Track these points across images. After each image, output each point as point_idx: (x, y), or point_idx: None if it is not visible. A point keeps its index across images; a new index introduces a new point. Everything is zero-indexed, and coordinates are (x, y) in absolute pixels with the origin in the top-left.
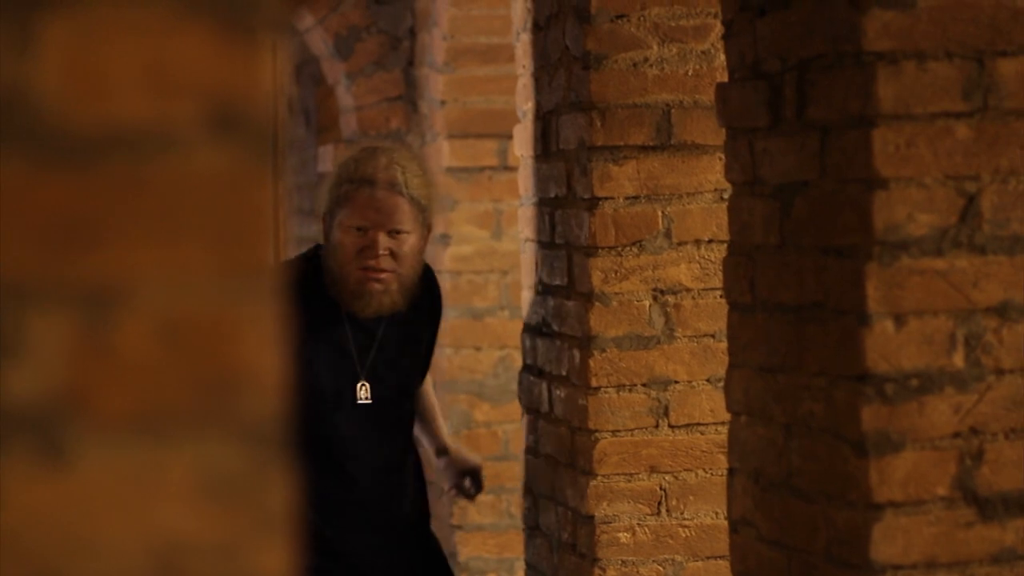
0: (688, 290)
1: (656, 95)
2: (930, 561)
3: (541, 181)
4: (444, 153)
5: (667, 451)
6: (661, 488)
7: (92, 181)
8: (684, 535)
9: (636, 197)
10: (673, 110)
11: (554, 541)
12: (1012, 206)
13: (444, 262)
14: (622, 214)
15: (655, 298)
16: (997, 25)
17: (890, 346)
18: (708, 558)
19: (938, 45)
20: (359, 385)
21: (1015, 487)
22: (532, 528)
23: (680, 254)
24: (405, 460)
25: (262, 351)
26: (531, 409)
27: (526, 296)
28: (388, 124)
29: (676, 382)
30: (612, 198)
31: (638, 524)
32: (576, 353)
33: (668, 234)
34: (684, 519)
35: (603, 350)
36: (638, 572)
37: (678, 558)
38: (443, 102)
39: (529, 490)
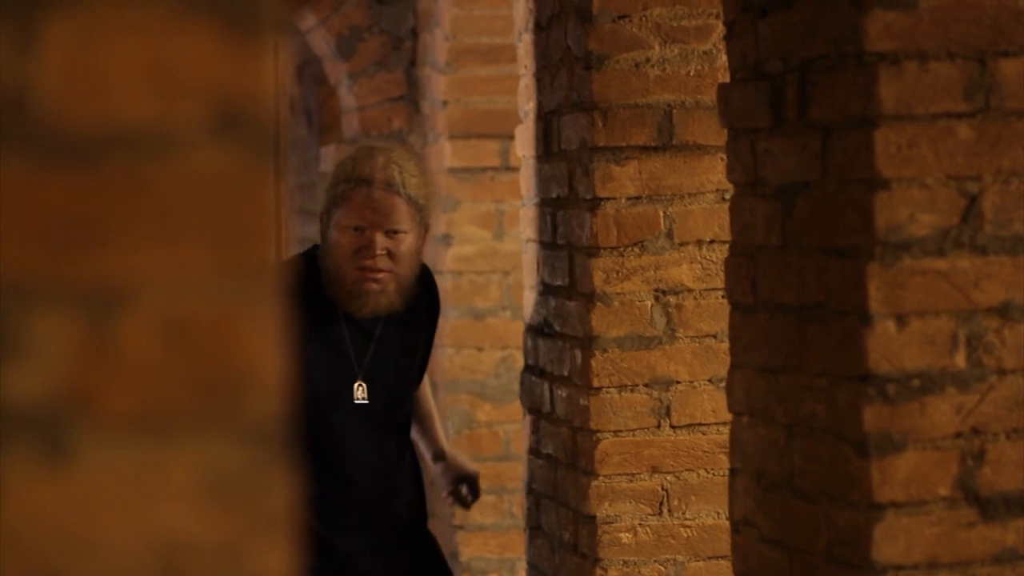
0: (690, 290)
1: (658, 95)
2: (932, 561)
3: (543, 181)
4: (446, 153)
5: (669, 451)
6: (663, 488)
7: (94, 181)
8: (686, 535)
9: (638, 197)
10: (675, 110)
11: (555, 541)
12: (1014, 206)
13: (446, 262)
14: (624, 214)
15: (657, 298)
16: (999, 25)
17: (892, 346)
18: (710, 558)
19: (940, 45)
20: (356, 385)
21: (1016, 487)
22: (534, 528)
23: (682, 254)
24: (402, 460)
25: (264, 351)
26: (533, 409)
27: (528, 296)
28: (390, 124)
29: (678, 382)
30: (614, 198)
31: (640, 524)
32: (578, 353)
33: (670, 234)
34: (686, 519)
35: (605, 350)
36: (640, 572)
37: (680, 558)
38: (445, 102)
39: (531, 490)
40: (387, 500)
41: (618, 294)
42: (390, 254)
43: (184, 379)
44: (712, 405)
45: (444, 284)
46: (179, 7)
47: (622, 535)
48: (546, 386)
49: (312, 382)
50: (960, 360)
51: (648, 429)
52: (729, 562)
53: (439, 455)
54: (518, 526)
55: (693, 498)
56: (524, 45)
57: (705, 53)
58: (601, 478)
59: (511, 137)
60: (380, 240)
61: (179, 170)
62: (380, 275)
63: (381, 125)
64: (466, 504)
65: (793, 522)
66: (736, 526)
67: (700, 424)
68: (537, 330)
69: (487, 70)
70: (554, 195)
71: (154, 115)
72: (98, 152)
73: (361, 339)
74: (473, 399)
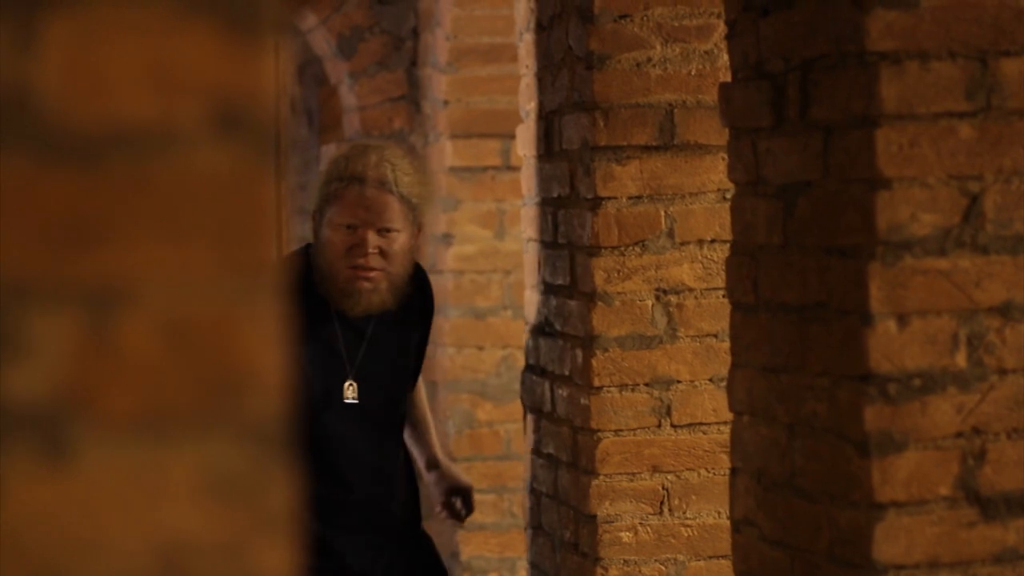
0: (691, 290)
1: (659, 95)
2: (932, 561)
3: (544, 181)
4: (447, 153)
5: (669, 451)
6: (663, 488)
7: (94, 180)
8: (686, 535)
9: (639, 197)
10: (676, 110)
11: (556, 540)
12: (1015, 206)
13: (447, 262)
14: (625, 214)
15: (658, 298)
16: (1000, 25)
17: (893, 346)
18: (710, 558)
19: (941, 45)
20: (346, 384)
21: (1017, 487)
22: (534, 527)
23: (683, 254)
24: (396, 460)
25: (265, 350)
26: (533, 409)
27: (529, 296)
28: (391, 124)
29: (678, 382)
30: (615, 198)
31: (640, 523)
32: (579, 353)
33: (671, 234)
34: (686, 519)
35: (606, 350)
36: (640, 571)
37: (680, 557)
38: (446, 102)
39: (531, 489)
40: (382, 500)
41: (619, 293)
42: (383, 252)
43: (184, 378)
44: (713, 404)
45: (445, 283)
46: (179, 6)
47: (623, 534)
48: (547, 385)
49: (305, 381)
50: (961, 360)
51: (649, 428)
52: (730, 562)
53: (432, 463)
54: (518, 525)
55: (694, 497)
56: (525, 45)
57: (706, 53)
58: (602, 477)
59: (512, 137)
60: (372, 238)
61: (179, 170)
62: (372, 274)
63: (382, 125)
64: (460, 518)
65: (794, 522)
66: (737, 525)
67: (701, 423)
68: (538, 329)
69: (488, 70)
70: (555, 194)
71: (154, 114)
72: (98, 151)
73: (353, 338)
74: (474, 398)
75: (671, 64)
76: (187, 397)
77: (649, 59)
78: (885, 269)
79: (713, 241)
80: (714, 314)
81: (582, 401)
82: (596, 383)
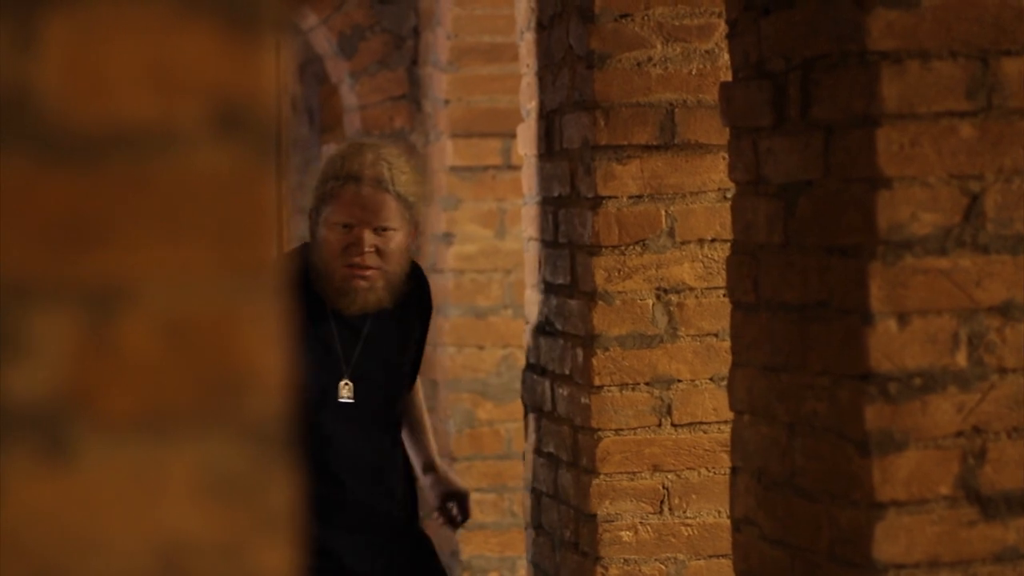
0: (691, 289)
1: (660, 94)
2: (933, 560)
3: (545, 180)
4: (448, 152)
5: (670, 450)
6: (664, 487)
7: (95, 180)
8: (687, 534)
9: (639, 196)
10: (677, 109)
11: (556, 540)
12: (1016, 205)
13: (448, 261)
14: (625, 213)
15: (658, 297)
16: (1001, 24)
17: (893, 345)
18: (711, 557)
19: (942, 44)
20: (342, 383)
21: (1018, 486)
22: (535, 527)
23: (683, 253)
24: (393, 460)
25: (265, 350)
26: (534, 408)
27: (529, 295)
28: (392, 123)
29: (679, 381)
30: (615, 197)
31: (640, 523)
32: (579, 352)
33: (671, 233)
34: (687, 518)
35: (606, 349)
36: (640, 571)
37: (680, 557)
38: (447, 101)
39: (531, 488)
40: (379, 499)
41: (619, 293)
42: (379, 251)
43: (184, 378)
44: (713, 404)
45: (446, 282)
46: (180, 6)
47: (623, 533)
48: (547, 384)
49: (300, 381)
50: (961, 359)
51: (649, 428)
52: (730, 561)
53: (429, 466)
54: (519, 524)
55: (694, 497)
56: (526, 44)
57: (707, 52)
58: (602, 476)
59: (513, 136)
60: (369, 237)
61: (180, 169)
62: (368, 272)
63: (383, 124)
64: (455, 524)
65: (794, 521)
66: (737, 525)
67: (701, 423)
68: (539, 329)
69: (489, 69)
70: (556, 194)
71: (155, 114)
72: (98, 151)
73: (349, 337)
74: (474, 397)
75: (672, 63)
76: (187, 397)
77: (650, 58)
78: (886, 268)
79: (714, 240)
80: (715, 313)
81: (583, 400)
82: (597, 382)
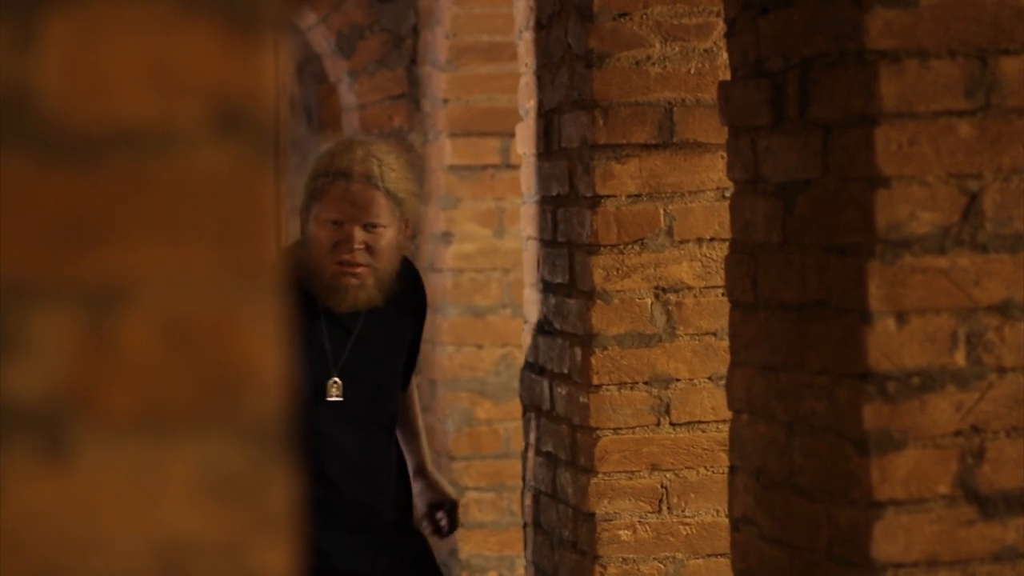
0: (690, 288)
1: (658, 93)
2: (931, 559)
3: (543, 179)
4: (447, 151)
5: (668, 449)
6: (662, 486)
7: (94, 180)
8: (685, 533)
9: (638, 195)
10: (675, 108)
11: (555, 539)
12: (1014, 204)
13: (446, 260)
14: (624, 212)
15: (657, 296)
16: (1000, 23)
17: (892, 344)
18: (709, 556)
19: (941, 43)
20: (330, 382)
21: (1016, 485)
22: (533, 526)
23: (682, 252)
24: (385, 459)
25: (265, 350)
26: (532, 407)
27: (528, 294)
28: (391, 122)
29: (678, 380)
30: (614, 196)
31: (639, 522)
32: (578, 351)
33: (670, 232)
34: (685, 517)
35: (605, 348)
36: (639, 570)
37: (679, 556)
38: (446, 100)
39: (530, 488)
40: (372, 499)
41: (618, 292)
42: (369, 248)
43: (184, 378)
44: (712, 403)
45: (444, 282)
46: (179, 5)
47: (621, 532)
48: (546, 384)
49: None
50: (960, 358)
51: (648, 427)
52: (728, 560)
53: (419, 472)
54: (517, 523)
55: (692, 496)
56: (525, 43)
57: (706, 51)
58: (600, 475)
59: (512, 135)
60: (358, 234)
61: (179, 169)
62: (358, 269)
63: (382, 123)
64: (441, 533)
65: (793, 520)
66: (736, 524)
67: (700, 422)
68: (537, 328)
69: (488, 68)
70: (555, 193)
71: (154, 114)
72: (98, 151)
73: (340, 335)
74: (473, 397)
75: (670, 62)
76: (187, 397)
77: (648, 57)
78: (884, 267)
79: (712, 239)
80: (713, 312)
81: (581, 399)
82: (595, 381)
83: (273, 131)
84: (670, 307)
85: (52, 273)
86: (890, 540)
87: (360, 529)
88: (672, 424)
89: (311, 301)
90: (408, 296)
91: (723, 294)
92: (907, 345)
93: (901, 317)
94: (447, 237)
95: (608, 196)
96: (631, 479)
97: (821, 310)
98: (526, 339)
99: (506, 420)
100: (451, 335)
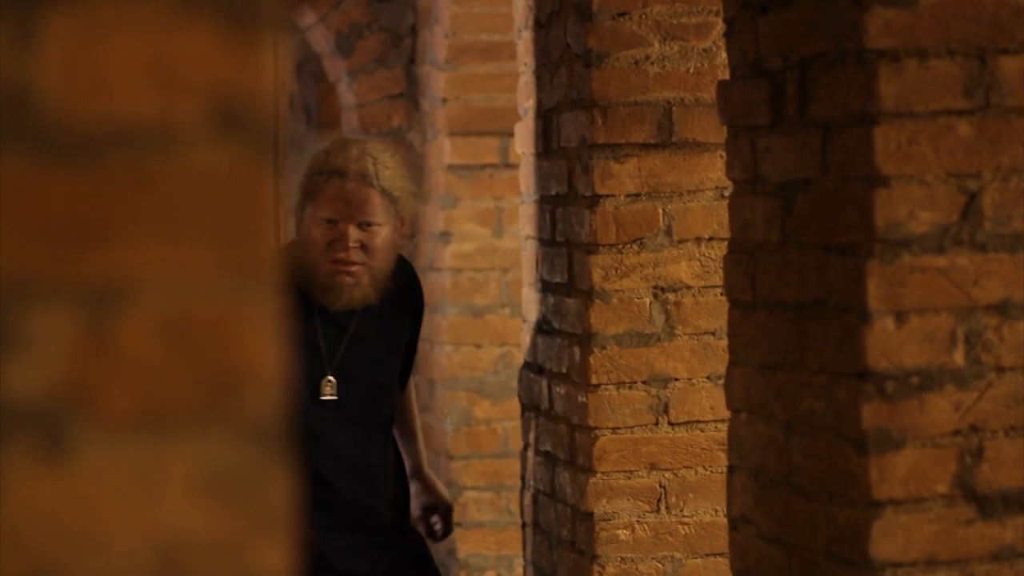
0: (689, 288)
1: (657, 93)
2: (930, 559)
3: (542, 179)
4: (445, 150)
5: (667, 448)
6: (661, 485)
7: (94, 179)
8: (684, 532)
9: (637, 195)
10: (674, 108)
11: (553, 538)
12: (1013, 204)
13: (445, 259)
14: (623, 211)
15: (655, 295)
16: (999, 22)
17: (891, 344)
18: (707, 555)
19: (940, 43)
20: (324, 381)
21: (1015, 485)
22: (532, 525)
23: (681, 252)
24: (381, 459)
25: (264, 350)
26: (531, 406)
27: (527, 293)
28: (390, 122)
29: (676, 379)
30: (613, 196)
31: (637, 521)
32: (576, 350)
33: (669, 232)
34: (684, 516)
35: (603, 347)
36: (637, 569)
37: (677, 555)
38: (444, 99)
39: (528, 487)
40: (368, 498)
41: (617, 291)
42: (364, 247)
43: (184, 377)
44: (710, 402)
45: (443, 281)
46: (180, 5)
47: (620, 532)
48: (544, 383)
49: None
50: (959, 357)
51: (646, 426)
52: (727, 559)
53: (415, 473)
54: (516, 523)
55: (691, 495)
56: (524, 42)
57: (705, 50)
58: (599, 475)
59: (510, 134)
60: (353, 232)
61: (179, 168)
62: (353, 268)
63: (381, 122)
64: (435, 537)
65: (792, 519)
66: (734, 523)
67: (698, 421)
68: (536, 327)
69: (487, 67)
70: (553, 192)
71: (154, 112)
72: (98, 149)
73: (335, 333)
74: (472, 396)
75: (669, 62)
76: (186, 396)
77: (647, 57)
78: (883, 267)
79: (711, 239)
80: (712, 312)
81: (580, 399)
82: (594, 381)
83: (272, 130)
84: (669, 307)
85: (52, 272)
86: (889, 539)
87: (358, 529)
88: (671, 424)
89: (306, 299)
90: (404, 295)
91: (722, 293)
92: (906, 344)
93: (900, 316)
94: (446, 236)
95: (607, 195)
96: (629, 479)
97: (820, 309)
98: (525, 338)
99: (505, 419)
100: (450, 334)
